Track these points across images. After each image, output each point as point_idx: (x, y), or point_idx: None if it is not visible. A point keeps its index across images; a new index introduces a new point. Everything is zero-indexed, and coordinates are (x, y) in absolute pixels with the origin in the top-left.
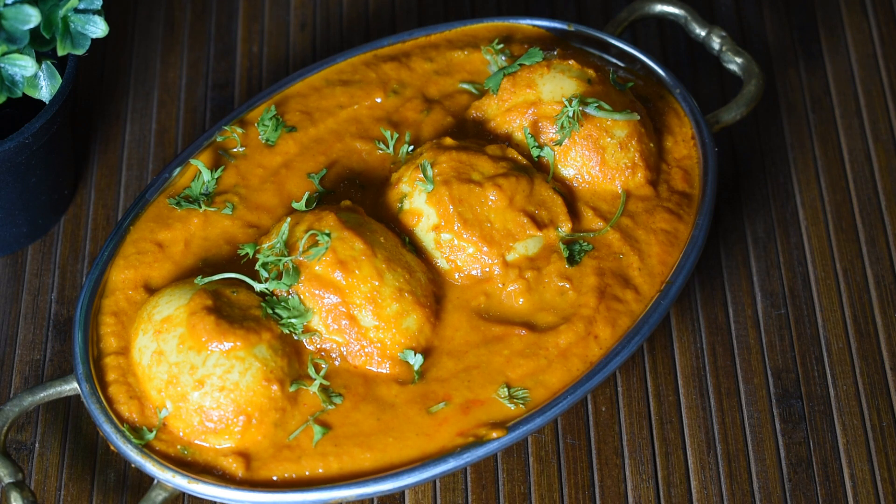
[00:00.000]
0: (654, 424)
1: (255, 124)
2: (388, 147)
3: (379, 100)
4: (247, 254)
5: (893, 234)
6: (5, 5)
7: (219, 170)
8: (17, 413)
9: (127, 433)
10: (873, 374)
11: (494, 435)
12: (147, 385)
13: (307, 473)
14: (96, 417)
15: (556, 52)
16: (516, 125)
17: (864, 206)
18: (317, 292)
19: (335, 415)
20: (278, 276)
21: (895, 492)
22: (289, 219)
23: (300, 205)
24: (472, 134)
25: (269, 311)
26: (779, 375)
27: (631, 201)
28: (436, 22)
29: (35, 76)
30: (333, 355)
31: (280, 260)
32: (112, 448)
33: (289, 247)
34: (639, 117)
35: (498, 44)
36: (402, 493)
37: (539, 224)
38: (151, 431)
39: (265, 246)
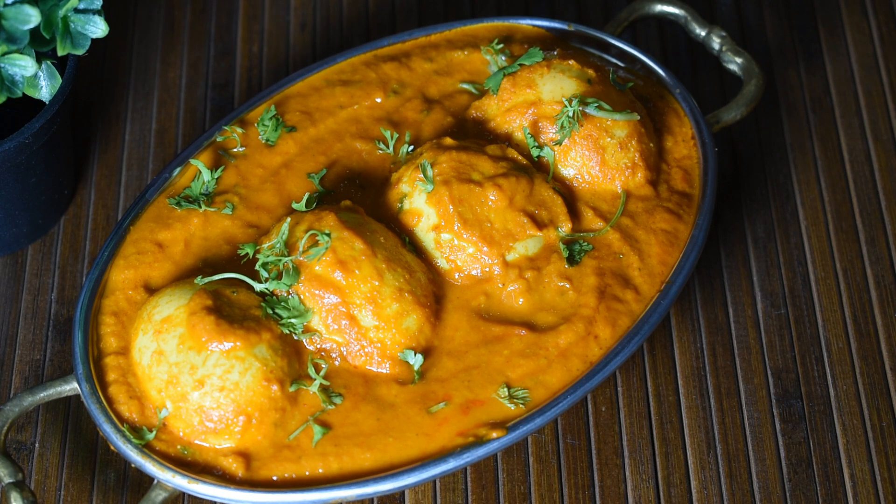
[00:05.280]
0: (654, 424)
1: (255, 124)
2: (388, 147)
3: (379, 100)
4: (247, 254)
5: (893, 234)
6: (5, 5)
7: (219, 170)
8: (17, 413)
9: (127, 433)
10: (873, 374)
11: (494, 435)
12: (147, 385)
13: (307, 473)
14: (96, 417)
15: (556, 52)
16: (516, 125)
17: (864, 206)
18: (317, 292)
19: (335, 415)
20: (278, 276)
21: (895, 492)
22: (289, 219)
23: (300, 205)
24: (472, 134)
25: (269, 311)
26: (779, 375)
27: (631, 201)
28: (436, 22)
29: (35, 76)
30: (333, 355)
31: (280, 260)
32: (112, 448)
33: (289, 247)
34: (639, 117)
35: (498, 44)
36: (402, 493)
37: (539, 224)
38: (151, 431)
39: (265, 246)
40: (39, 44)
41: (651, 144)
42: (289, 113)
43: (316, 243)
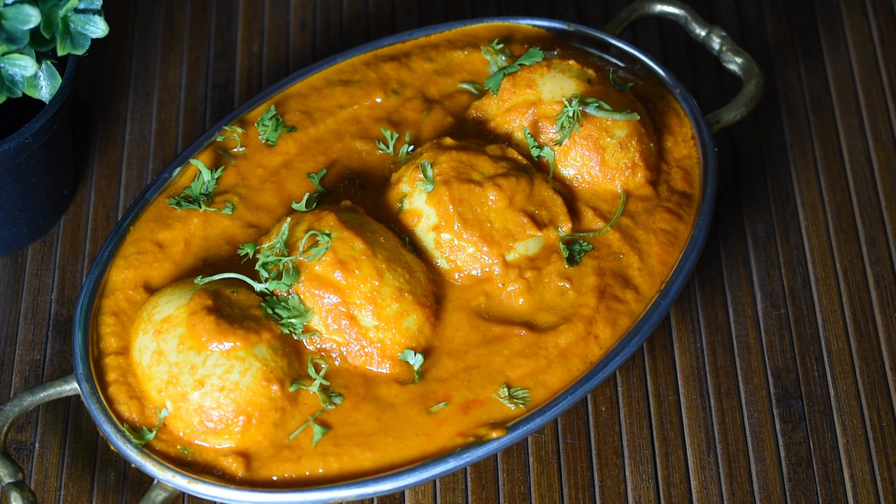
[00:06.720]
0: (654, 424)
1: (255, 124)
2: (388, 147)
3: (379, 100)
4: (247, 254)
5: (893, 234)
6: (5, 5)
7: (219, 170)
8: (17, 413)
9: (127, 433)
10: (873, 374)
11: (494, 435)
12: (147, 385)
13: (307, 473)
14: (96, 417)
15: (556, 52)
16: (516, 125)
17: (864, 206)
18: (317, 292)
19: (335, 415)
20: (278, 276)
21: (895, 492)
22: (289, 219)
23: (300, 205)
24: (472, 134)
25: (269, 311)
26: (779, 375)
27: (631, 201)
28: (436, 22)
29: (35, 76)
30: (333, 355)
31: (280, 260)
32: (112, 448)
33: (289, 247)
34: (639, 117)
35: (498, 44)
36: (402, 493)
37: (539, 224)
38: (151, 431)
39: (265, 246)
40: (39, 44)
41: (651, 144)
42: (289, 113)
43: (316, 243)
